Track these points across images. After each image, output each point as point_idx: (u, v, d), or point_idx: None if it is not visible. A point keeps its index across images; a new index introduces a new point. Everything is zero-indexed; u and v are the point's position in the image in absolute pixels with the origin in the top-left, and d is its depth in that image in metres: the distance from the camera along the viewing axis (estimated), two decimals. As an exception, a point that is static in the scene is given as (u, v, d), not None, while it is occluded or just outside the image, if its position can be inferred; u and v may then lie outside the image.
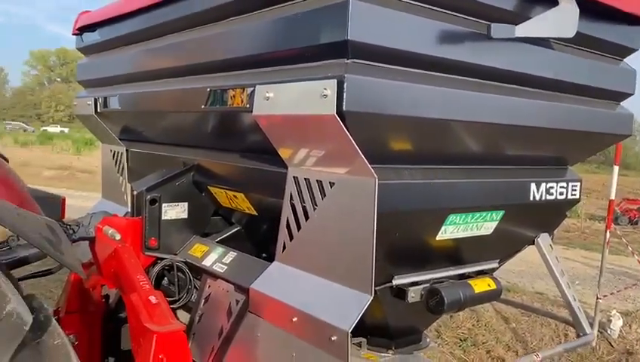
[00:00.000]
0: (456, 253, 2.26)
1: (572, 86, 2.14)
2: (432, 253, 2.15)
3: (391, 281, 2.10)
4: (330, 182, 1.77)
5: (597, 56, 2.22)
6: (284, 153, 1.87)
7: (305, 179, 1.86)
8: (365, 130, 1.60)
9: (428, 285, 2.15)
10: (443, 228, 2.06)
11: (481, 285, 2.23)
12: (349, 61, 1.55)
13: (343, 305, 1.70)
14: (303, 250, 1.90)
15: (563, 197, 2.37)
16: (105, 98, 3.01)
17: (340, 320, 1.67)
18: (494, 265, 2.48)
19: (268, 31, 1.80)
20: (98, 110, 3.08)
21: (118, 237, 2.32)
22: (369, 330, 2.42)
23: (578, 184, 2.44)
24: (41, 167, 20.44)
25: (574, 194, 2.43)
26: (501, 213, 2.20)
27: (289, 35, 1.70)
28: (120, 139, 3.18)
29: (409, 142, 1.78)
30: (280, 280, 1.95)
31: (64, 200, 1.52)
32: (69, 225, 2.41)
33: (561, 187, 2.35)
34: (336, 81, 1.51)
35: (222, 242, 2.53)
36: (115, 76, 2.87)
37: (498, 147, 2.04)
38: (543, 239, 2.52)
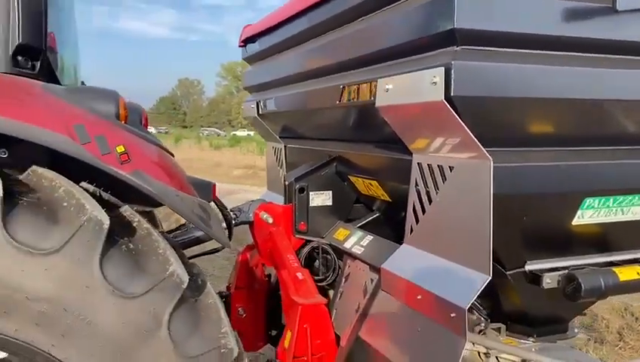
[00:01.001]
0: (599, 239, 2.15)
1: None
2: (569, 238, 2.08)
3: (523, 266, 2.09)
4: (449, 167, 1.84)
5: None
6: (407, 141, 1.99)
7: (428, 165, 1.95)
8: (477, 113, 1.65)
9: (566, 271, 2.08)
10: (579, 212, 1.99)
11: (628, 273, 2.09)
12: (457, 48, 1.62)
13: (462, 284, 1.77)
14: (427, 232, 2.00)
15: None
16: (264, 101, 3.39)
17: (459, 298, 1.74)
18: (651, 253, 2.28)
19: (385, 28, 1.93)
20: (260, 112, 3.48)
21: (270, 220, 2.66)
22: (508, 316, 2.41)
23: None
24: (231, 166, 22.84)
25: None
26: (650, 197, 2.04)
27: (404, 29, 1.82)
28: (279, 137, 3.55)
29: (527, 124, 1.77)
30: (407, 261, 2.07)
31: (214, 185, 1.83)
32: (233, 211, 2.82)
33: None
34: (443, 68, 1.59)
35: (362, 227, 2.73)
36: (271, 81, 3.23)
37: (633, 126, 1.90)
38: None
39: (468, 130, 1.64)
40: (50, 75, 1.77)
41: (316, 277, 2.76)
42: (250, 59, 3.69)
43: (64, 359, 1.42)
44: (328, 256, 2.74)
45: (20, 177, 1.50)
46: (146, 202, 1.77)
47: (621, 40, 1.72)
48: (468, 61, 1.59)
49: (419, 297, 1.93)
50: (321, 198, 2.80)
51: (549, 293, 2.11)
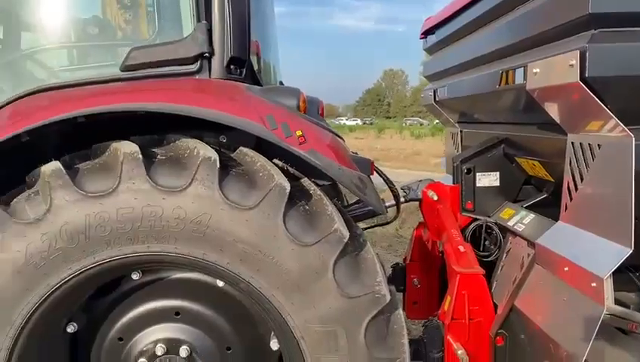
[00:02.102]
0: None
1: None
2: None
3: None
4: (598, 145, 1.92)
5: None
6: (559, 121, 2.10)
7: (580, 143, 2.04)
8: (615, 93, 1.72)
9: None
10: None
11: None
12: (593, 31, 1.71)
13: (604, 255, 1.85)
14: (579, 209, 2.08)
15: None
16: (440, 89, 3.64)
17: (599, 268, 1.83)
18: None
19: (532, 17, 2.07)
20: (436, 99, 3.73)
21: (435, 198, 2.92)
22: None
23: None
24: (430, 155, 22.97)
25: None
26: None
27: (548, 17, 1.94)
28: (455, 122, 3.76)
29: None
30: (559, 237, 2.18)
31: (373, 162, 2.19)
32: (403, 189, 3.15)
33: None
34: (578, 52, 1.71)
35: (530, 207, 2.83)
36: (445, 70, 3.47)
37: None
38: None
39: (607, 109, 1.72)
40: (253, 77, 2.32)
41: (482, 253, 2.95)
42: (430, 50, 3.95)
43: (259, 287, 1.93)
44: (493, 233, 2.90)
45: (232, 155, 2.06)
46: (324, 177, 2.22)
47: None
48: (602, 43, 1.68)
49: (566, 269, 2.04)
50: (488, 179, 2.96)
51: None
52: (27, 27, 2.66)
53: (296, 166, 2.14)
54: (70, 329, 2.17)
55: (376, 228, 3.33)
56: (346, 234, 1.92)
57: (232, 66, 2.17)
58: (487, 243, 2.96)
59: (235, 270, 1.92)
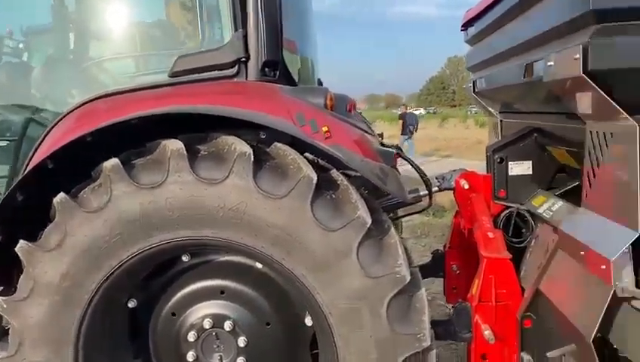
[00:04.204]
0: None
1: None
2: None
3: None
4: (610, 133, 2.00)
5: None
6: (577, 111, 2.18)
7: (596, 132, 2.12)
8: (618, 84, 1.80)
9: None
10: None
11: None
12: (597, 26, 1.80)
13: (613, 239, 1.94)
14: (596, 195, 2.17)
15: None
16: (479, 79, 3.72)
17: (608, 251, 1.92)
18: None
19: (546, 13, 2.16)
20: (476, 90, 3.82)
21: (467, 186, 3.04)
22: None
23: None
24: (493, 144, 22.42)
25: None
26: None
27: (559, 13, 2.04)
28: (494, 112, 3.83)
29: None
30: (577, 221, 2.27)
31: (396, 154, 2.36)
32: (437, 178, 3.28)
33: None
34: (581, 46, 1.80)
35: (562, 195, 2.89)
36: (482, 61, 3.55)
37: None
38: None
39: (611, 100, 1.81)
40: (287, 78, 2.54)
41: (515, 239, 3.04)
42: (470, 42, 4.03)
43: (291, 269, 2.16)
44: (525, 220, 2.99)
45: (267, 150, 2.29)
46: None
47: None
48: (604, 37, 1.77)
49: (582, 253, 2.13)
50: (520, 168, 3.05)
51: None
52: (96, 37, 3.02)
53: (326, 159, 2.35)
54: (131, 304, 2.49)
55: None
56: (369, 220, 2.11)
57: (266, 69, 2.40)
58: (521, 230, 3.05)
59: (269, 252, 2.15)
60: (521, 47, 2.66)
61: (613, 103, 1.81)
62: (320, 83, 3.34)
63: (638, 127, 1.79)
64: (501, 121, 3.78)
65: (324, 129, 2.15)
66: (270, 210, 2.10)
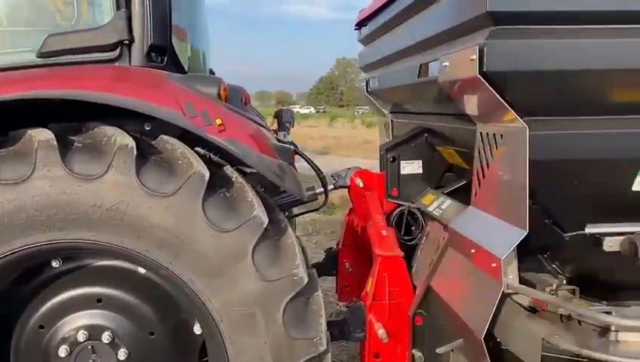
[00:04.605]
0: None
1: None
2: (630, 204, 2.14)
3: (583, 229, 2.21)
4: (500, 135, 2.06)
5: None
6: (467, 111, 2.22)
7: (486, 133, 2.18)
8: (512, 86, 1.84)
9: (627, 236, 2.15)
10: (638, 178, 2.05)
11: (692, 239, 2.09)
12: (492, 28, 1.83)
13: (503, 238, 1.99)
14: (485, 194, 2.23)
15: None
16: (372, 79, 3.74)
17: (498, 249, 1.97)
18: None
19: (442, 12, 2.19)
20: (368, 90, 3.84)
21: (362, 185, 3.04)
22: (581, 280, 2.51)
23: None
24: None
25: None
26: None
27: (454, 13, 2.06)
28: (386, 112, 3.88)
29: (566, 94, 1.90)
30: (467, 220, 2.32)
31: (294, 151, 2.27)
32: (333, 176, 3.25)
33: None
34: (477, 47, 1.82)
35: (450, 194, 2.98)
36: (375, 61, 3.57)
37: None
38: None
39: (504, 102, 1.85)
40: (176, 65, 2.34)
41: (406, 237, 3.09)
42: (363, 41, 4.05)
43: (179, 274, 1.98)
44: (416, 218, 3.04)
45: (153, 143, 2.08)
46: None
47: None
48: (499, 39, 1.80)
49: (472, 251, 2.18)
50: (411, 167, 3.10)
51: (616, 258, 2.20)
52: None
53: (220, 154, 2.19)
54: (-10, 316, 2.16)
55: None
56: (265, 220, 1.99)
57: (152, 54, 2.18)
58: (411, 228, 3.10)
59: (154, 256, 1.95)
60: (416, 48, 2.68)
61: (506, 105, 1.85)
62: (212, 74, 3.15)
63: (527, 129, 1.84)
64: (392, 120, 3.84)
65: (218, 121, 2.00)
66: (156, 209, 1.91)
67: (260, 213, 2.00)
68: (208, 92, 2.10)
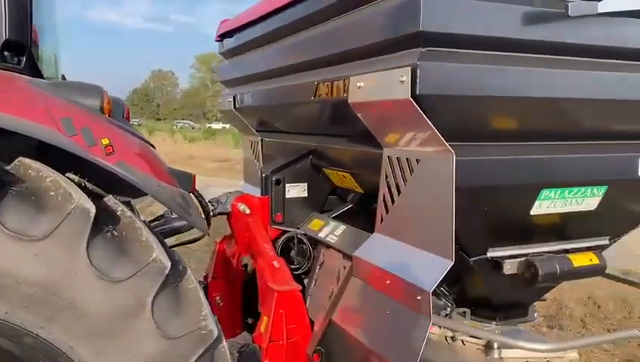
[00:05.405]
0: (556, 228, 2.30)
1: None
2: (528, 227, 2.22)
3: (486, 253, 2.23)
4: (416, 160, 1.97)
5: None
6: (377, 135, 2.11)
7: (397, 158, 2.07)
8: (441, 110, 1.77)
9: (525, 258, 2.23)
10: (537, 203, 2.13)
11: (581, 259, 2.25)
12: (422, 49, 1.73)
13: (427, 268, 1.89)
14: (396, 221, 2.12)
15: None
16: (241, 95, 3.47)
17: (424, 281, 1.87)
18: (604, 241, 2.45)
19: (357, 28, 2.04)
20: (236, 106, 3.56)
21: (248, 211, 2.75)
22: (473, 301, 2.56)
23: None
24: (204, 159, 22.77)
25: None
26: (603, 189, 2.20)
27: (375, 30, 1.93)
28: (255, 130, 3.63)
29: (487, 120, 1.90)
30: (377, 248, 2.19)
31: (194, 176, 1.92)
32: (211, 202, 2.91)
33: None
34: (410, 68, 1.71)
35: (337, 218, 2.84)
36: (248, 76, 3.31)
37: (587, 123, 2.05)
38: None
39: (432, 126, 1.76)
40: (33, 69, 1.83)
41: (292, 266, 2.86)
42: (227, 54, 3.76)
43: (52, 340, 1.50)
44: (303, 246, 2.85)
45: (8, 168, 1.57)
46: (127, 193, 1.86)
47: (573, 42, 1.86)
48: (432, 61, 1.71)
49: (388, 282, 2.05)
50: (296, 190, 2.90)
51: (510, 279, 2.25)
52: None
53: (94, 181, 1.74)
54: None
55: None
56: (168, 264, 1.62)
57: (6, 53, 1.66)
58: (297, 256, 2.89)
59: (17, 320, 1.46)
60: (309, 64, 2.50)
61: (435, 129, 1.76)
62: (64, 79, 2.59)
63: (453, 155, 1.77)
64: (262, 140, 3.61)
65: (105, 141, 1.58)
66: (22, 258, 1.42)
67: (160, 255, 1.62)
68: (89, 104, 1.66)
